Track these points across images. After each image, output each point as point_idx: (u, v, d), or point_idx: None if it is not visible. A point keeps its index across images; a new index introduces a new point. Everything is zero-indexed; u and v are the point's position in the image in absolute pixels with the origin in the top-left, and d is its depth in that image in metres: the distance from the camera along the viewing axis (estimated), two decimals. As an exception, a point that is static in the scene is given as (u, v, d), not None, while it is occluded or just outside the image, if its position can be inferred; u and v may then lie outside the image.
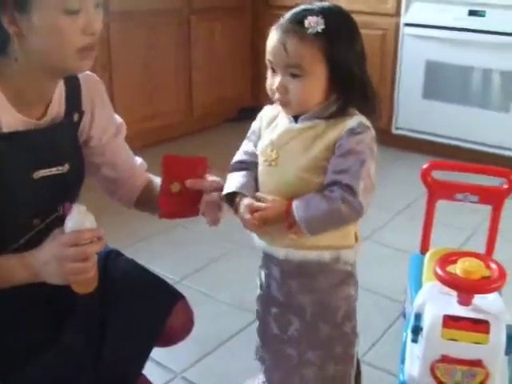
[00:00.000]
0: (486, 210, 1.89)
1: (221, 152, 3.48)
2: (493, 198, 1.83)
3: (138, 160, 1.53)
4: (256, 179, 1.31)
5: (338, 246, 1.29)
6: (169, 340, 1.45)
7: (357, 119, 1.21)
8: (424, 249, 1.96)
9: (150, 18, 3.38)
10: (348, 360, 1.41)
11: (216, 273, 2.27)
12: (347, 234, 1.30)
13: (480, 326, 1.44)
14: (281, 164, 1.25)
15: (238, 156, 1.38)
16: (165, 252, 2.44)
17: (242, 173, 1.32)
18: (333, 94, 1.23)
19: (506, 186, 1.81)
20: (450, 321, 1.45)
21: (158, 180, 1.44)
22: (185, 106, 3.75)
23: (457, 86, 3.35)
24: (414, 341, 1.50)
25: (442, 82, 3.38)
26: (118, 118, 1.48)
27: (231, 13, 3.86)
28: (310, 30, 1.16)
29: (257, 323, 1.47)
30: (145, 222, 2.52)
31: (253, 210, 1.22)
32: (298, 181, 1.23)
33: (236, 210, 1.28)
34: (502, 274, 1.47)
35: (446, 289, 1.57)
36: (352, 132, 1.19)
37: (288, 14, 1.23)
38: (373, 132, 1.23)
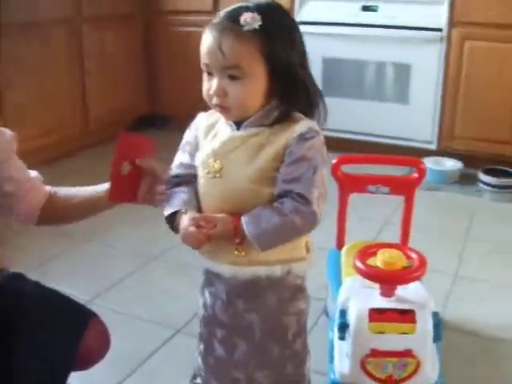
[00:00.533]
0: (396, 200, 1.91)
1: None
2: (404, 188, 1.84)
3: (33, 173, 1.42)
4: (196, 194, 1.23)
5: (289, 259, 1.22)
6: (86, 362, 1.36)
7: (305, 124, 1.15)
8: (340, 244, 1.95)
9: (42, 29, 3.22)
10: (300, 379, 1.36)
11: (131, 289, 2.17)
12: (298, 246, 1.23)
13: (406, 316, 1.44)
14: (226, 175, 1.17)
15: (177, 170, 1.28)
16: (75, 270, 2.30)
17: (181, 189, 1.24)
18: (274, 97, 1.16)
19: (416, 175, 1.83)
20: (376, 314, 1.44)
21: (62, 191, 1.39)
22: (80, 118, 3.60)
23: (354, 81, 3.42)
24: (342, 338, 1.47)
25: (340, 78, 3.43)
26: (8, 131, 1.36)
27: (123, 20, 3.75)
28: (246, 27, 1.09)
29: (200, 346, 1.35)
30: (50, 241, 2.41)
31: (197, 224, 1.13)
32: (245, 192, 1.15)
33: (177, 229, 1.20)
34: (423, 263, 1.48)
35: (367, 282, 1.56)
36: (302, 138, 1.13)
37: (222, 12, 1.15)
38: (322, 136, 1.17)
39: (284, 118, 1.16)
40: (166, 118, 4.13)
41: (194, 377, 1.41)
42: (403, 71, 3.26)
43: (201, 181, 1.22)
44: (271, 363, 1.29)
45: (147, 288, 2.16)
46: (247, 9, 1.11)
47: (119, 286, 2.17)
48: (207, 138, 1.23)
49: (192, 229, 1.13)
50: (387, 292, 1.50)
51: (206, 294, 1.30)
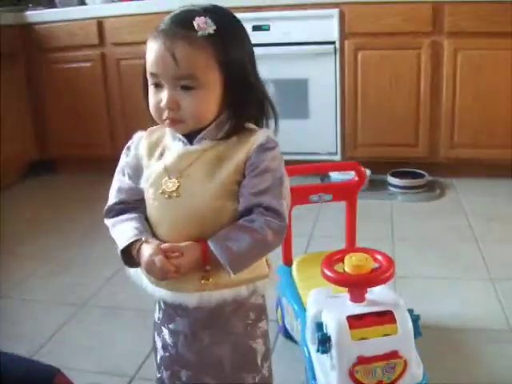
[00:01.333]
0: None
1: (27, 212, 3.24)
2: (346, 193, 1.83)
3: None
4: (145, 218, 1.13)
5: (254, 277, 1.12)
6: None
7: (263, 134, 1.08)
8: (287, 260, 1.89)
9: None
10: None
11: (67, 341, 1.97)
12: (261, 263, 1.14)
13: (385, 317, 1.41)
14: (184, 193, 1.06)
15: (113, 197, 1.17)
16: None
17: (128, 216, 1.12)
18: (225, 108, 1.08)
19: (356, 178, 1.82)
20: (355, 321, 1.40)
21: None
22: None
23: (255, 100, 3.40)
24: (325, 351, 1.41)
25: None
26: None
27: (3, 61, 3.50)
28: (200, 33, 1.02)
29: None
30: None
31: (165, 253, 1.02)
32: (208, 210, 1.06)
33: (132, 263, 1.10)
34: (391, 262, 1.46)
35: (331, 292, 1.53)
36: (262, 148, 1.06)
37: (168, 18, 1.06)
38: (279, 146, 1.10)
39: (238, 130, 1.09)
40: (57, 162, 3.92)
41: None
42: (301, 86, 3.30)
43: (153, 204, 1.10)
44: None
45: (85, 337, 1.97)
46: (197, 13, 1.04)
47: (53, 341, 1.96)
48: (153, 156, 1.13)
49: (159, 258, 1.02)
50: (358, 298, 1.46)
51: (165, 332, 1.18)
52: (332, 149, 3.37)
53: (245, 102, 1.08)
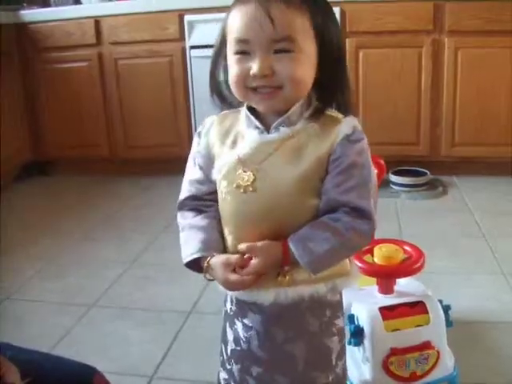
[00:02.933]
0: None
1: (22, 214, 3.18)
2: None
3: None
4: (218, 220, 1.06)
5: (334, 274, 1.03)
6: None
7: (349, 123, 0.99)
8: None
9: None
10: None
11: (80, 343, 1.90)
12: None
13: (417, 308, 1.40)
14: (261, 188, 0.97)
15: (186, 190, 1.09)
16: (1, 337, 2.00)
17: (198, 222, 1.06)
18: (312, 88, 0.99)
19: (376, 171, 1.80)
20: (387, 312, 1.39)
21: None
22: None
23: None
24: (357, 344, 1.39)
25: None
26: None
27: (-3, 61, 3.45)
28: None
29: None
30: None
31: (233, 266, 0.98)
32: (286, 207, 0.97)
33: (206, 273, 1.03)
34: (421, 253, 1.45)
35: (357, 285, 1.51)
36: (349, 141, 0.97)
37: None
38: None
39: (321, 114, 1.00)
40: (51, 164, 3.87)
41: None
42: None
43: (226, 198, 1.02)
44: None
45: (97, 338, 1.91)
46: None
47: (64, 342, 1.91)
48: (225, 144, 1.04)
49: (234, 277, 0.98)
50: (387, 289, 1.46)
51: (238, 325, 1.10)
52: (333, 148, 3.35)
53: (335, 81, 1.00)
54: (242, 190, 0.99)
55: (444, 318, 1.40)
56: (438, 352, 1.37)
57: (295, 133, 0.99)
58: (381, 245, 1.46)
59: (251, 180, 0.98)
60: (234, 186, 1.00)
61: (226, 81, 1.02)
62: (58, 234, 2.84)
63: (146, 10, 3.38)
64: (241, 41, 0.95)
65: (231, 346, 1.12)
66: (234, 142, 1.03)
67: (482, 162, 3.27)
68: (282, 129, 0.99)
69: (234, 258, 0.99)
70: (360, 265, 1.41)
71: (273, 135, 0.99)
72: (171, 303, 2.08)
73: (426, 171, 3.19)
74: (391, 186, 3.16)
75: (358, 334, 1.38)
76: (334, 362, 1.10)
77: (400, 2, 3.09)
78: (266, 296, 1.02)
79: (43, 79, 3.63)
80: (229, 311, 1.13)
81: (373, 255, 1.45)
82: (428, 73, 3.16)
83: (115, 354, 1.82)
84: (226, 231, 1.05)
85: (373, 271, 1.42)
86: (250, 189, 0.98)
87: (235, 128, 1.05)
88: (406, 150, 3.29)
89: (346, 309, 1.45)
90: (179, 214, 1.10)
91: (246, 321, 1.08)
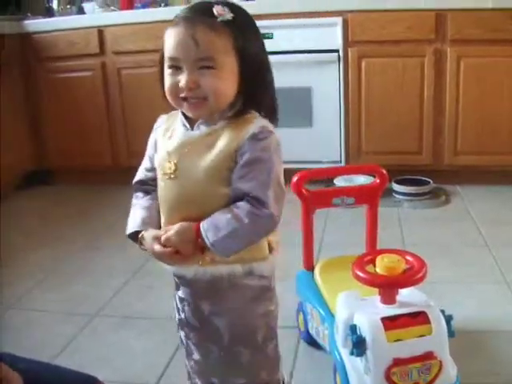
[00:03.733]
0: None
1: (24, 223, 3.18)
2: (368, 196, 1.81)
3: None
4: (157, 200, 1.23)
5: (250, 258, 1.18)
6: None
7: (258, 124, 1.12)
8: (309, 264, 1.86)
9: None
10: None
11: (83, 352, 1.91)
12: (258, 245, 1.19)
13: (419, 318, 1.40)
14: (181, 175, 1.15)
15: (139, 175, 1.29)
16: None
17: (142, 202, 1.25)
18: (238, 97, 1.14)
19: (377, 181, 1.81)
20: (389, 322, 1.39)
21: None
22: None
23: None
24: (360, 354, 1.39)
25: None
26: None
27: (2, 70, 3.44)
28: (220, 18, 1.09)
29: (183, 350, 1.34)
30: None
31: (160, 240, 1.14)
32: (201, 193, 1.13)
33: (141, 244, 1.20)
34: (423, 263, 1.45)
35: (358, 295, 1.51)
36: (255, 138, 1.10)
37: (187, 7, 1.14)
38: (277, 136, 1.14)
39: (238, 117, 1.14)
40: (54, 173, 3.88)
41: (188, 379, 1.38)
42: (304, 95, 3.30)
43: (159, 183, 1.20)
44: (243, 369, 1.25)
45: (100, 348, 1.92)
46: (215, 3, 1.11)
47: (67, 352, 1.91)
48: (164, 138, 1.21)
49: (157, 247, 1.13)
50: (389, 299, 1.45)
51: (176, 297, 1.28)
52: (336, 157, 3.36)
53: (256, 89, 1.14)
54: (167, 177, 1.16)
55: (446, 328, 1.40)
56: (441, 362, 1.37)
57: (213, 131, 1.14)
58: (383, 255, 1.45)
59: (173, 169, 1.15)
60: (163, 173, 1.17)
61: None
62: (60, 243, 2.84)
63: (149, 19, 3.39)
64: (172, 58, 1.11)
65: (176, 315, 1.30)
66: (170, 138, 1.19)
67: (485, 170, 3.27)
68: (201, 127, 1.15)
69: (161, 232, 1.15)
70: (362, 275, 1.42)
71: (194, 132, 1.15)
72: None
73: (428, 180, 3.19)
74: (394, 194, 3.16)
75: (360, 345, 1.38)
76: (260, 342, 1.24)
77: (402, 11, 3.10)
78: (188, 270, 1.18)
79: (46, 88, 3.64)
80: (174, 285, 1.30)
81: (375, 265, 1.45)
82: (430, 82, 3.17)
83: (118, 363, 1.82)
84: (161, 212, 1.21)
85: (375, 282, 1.42)
86: (172, 176, 1.15)
87: (173, 125, 1.21)
88: (408, 159, 3.29)
89: (348, 319, 1.47)
90: (133, 195, 1.28)
91: (179, 293, 1.26)
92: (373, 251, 1.55)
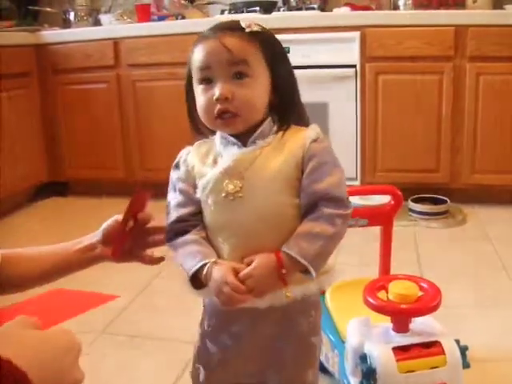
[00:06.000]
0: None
1: (36, 235, 3.16)
2: (382, 218, 1.75)
3: None
4: (205, 235, 1.11)
5: (320, 272, 1.08)
6: None
7: (313, 129, 1.10)
8: (320, 287, 1.81)
9: None
10: None
11: (85, 371, 1.87)
12: None
13: (433, 348, 1.33)
14: (249, 193, 1.06)
15: (174, 213, 1.13)
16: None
17: (190, 238, 1.10)
18: (271, 111, 1.11)
19: (392, 202, 1.75)
20: (401, 352, 1.32)
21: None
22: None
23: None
24: (369, 385, 1.33)
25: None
26: None
27: (17, 81, 3.46)
28: (247, 29, 1.07)
29: None
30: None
31: (237, 273, 1.03)
32: (274, 207, 1.06)
33: (205, 283, 1.06)
34: (437, 291, 1.39)
35: (370, 321, 1.46)
36: (317, 143, 1.08)
37: (212, 26, 1.11)
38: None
39: (285, 129, 1.11)
40: (68, 184, 3.86)
41: None
42: (321, 110, 3.25)
43: (216, 209, 1.09)
44: None
45: (104, 368, 1.87)
46: (240, 20, 1.10)
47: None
48: (205, 164, 1.12)
49: (228, 284, 1.01)
50: (402, 327, 1.39)
51: (223, 337, 1.15)
52: (351, 174, 3.30)
53: (290, 107, 1.12)
54: (231, 198, 1.06)
55: (461, 360, 1.34)
56: (455, 395, 1.31)
57: (269, 144, 1.09)
58: (395, 281, 1.40)
59: (238, 187, 1.06)
60: (223, 195, 1.07)
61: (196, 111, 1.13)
62: (70, 257, 2.80)
63: (165, 32, 3.38)
64: (203, 68, 1.06)
65: (217, 356, 1.17)
66: (215, 162, 1.11)
67: (504, 190, 3.20)
68: (258, 141, 1.09)
69: (241, 265, 1.04)
70: (374, 302, 1.36)
71: (251, 147, 1.09)
72: (181, 332, 2.03)
73: (445, 199, 3.12)
74: (410, 213, 3.10)
75: (370, 375, 1.32)
76: (317, 358, 1.21)
77: (421, 26, 3.05)
78: (261, 301, 1.06)
79: (61, 100, 3.64)
80: (206, 328, 1.18)
81: (387, 291, 1.40)
82: (449, 99, 3.11)
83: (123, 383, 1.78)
84: (220, 240, 1.09)
85: (386, 310, 1.36)
86: (240, 195, 1.06)
87: (213, 151, 1.13)
88: (425, 178, 3.23)
89: (359, 347, 1.41)
90: (169, 244, 1.14)
91: (234, 327, 1.13)
92: (385, 277, 1.49)
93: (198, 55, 1.07)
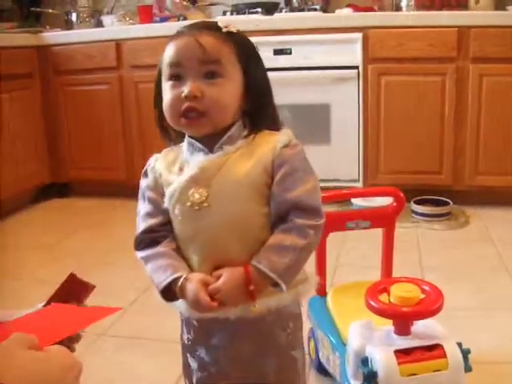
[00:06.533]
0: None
1: (37, 236, 3.16)
2: (384, 220, 1.75)
3: None
4: (176, 247, 1.08)
5: (295, 281, 1.07)
6: None
7: (285, 133, 1.06)
8: (321, 290, 1.79)
9: None
10: None
11: (86, 372, 1.86)
12: None
13: (435, 351, 1.33)
14: (215, 201, 1.02)
15: (140, 225, 1.11)
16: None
17: (159, 250, 1.07)
18: (241, 114, 1.08)
19: (394, 204, 1.74)
20: (403, 355, 1.32)
21: None
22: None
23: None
24: (371, 388, 1.32)
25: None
26: None
27: (19, 82, 3.46)
28: (224, 29, 1.04)
29: None
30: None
31: (207, 287, 1.00)
32: (242, 216, 1.02)
33: (172, 297, 1.06)
34: (439, 294, 1.38)
35: (372, 324, 1.45)
36: (288, 148, 1.04)
37: (188, 24, 1.10)
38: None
39: (257, 132, 1.07)
40: (70, 185, 3.86)
41: None
42: (323, 111, 3.24)
43: (184, 219, 1.05)
44: None
45: (105, 369, 1.86)
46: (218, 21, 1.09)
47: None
48: (171, 172, 1.09)
49: (202, 295, 0.99)
50: (403, 330, 1.38)
51: (201, 351, 1.13)
52: (354, 175, 3.29)
53: (263, 110, 1.08)
54: (196, 208, 1.03)
55: (463, 363, 1.33)
56: (456, 399, 1.30)
57: (238, 150, 1.05)
58: (397, 284, 1.39)
59: (204, 196, 1.02)
60: (188, 204, 1.03)
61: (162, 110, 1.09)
62: (71, 258, 2.80)
63: (167, 33, 3.36)
64: (173, 64, 1.03)
65: (197, 375, 1.14)
66: (181, 169, 1.08)
67: (507, 192, 3.19)
68: (225, 147, 1.05)
69: (210, 279, 1.01)
70: (375, 305, 1.35)
71: (218, 153, 1.05)
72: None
73: (448, 201, 3.11)
74: (412, 215, 3.09)
75: (371, 378, 1.31)
76: (300, 372, 1.17)
77: (423, 28, 3.04)
78: (232, 310, 1.03)
79: (63, 101, 3.64)
80: (186, 341, 1.16)
81: (389, 294, 1.39)
82: (451, 100, 3.10)
83: (122, 386, 1.77)
84: (190, 252, 1.06)
85: (387, 313, 1.35)
86: (205, 204, 1.02)
87: (179, 158, 1.10)
88: (428, 179, 3.22)
89: (360, 350, 1.40)
90: (138, 253, 1.11)
91: (211, 342, 1.10)
92: (387, 279, 1.49)
93: (169, 51, 1.04)
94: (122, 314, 2.21)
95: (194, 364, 1.15)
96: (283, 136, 1.05)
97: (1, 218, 3.35)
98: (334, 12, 3.42)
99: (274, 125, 1.10)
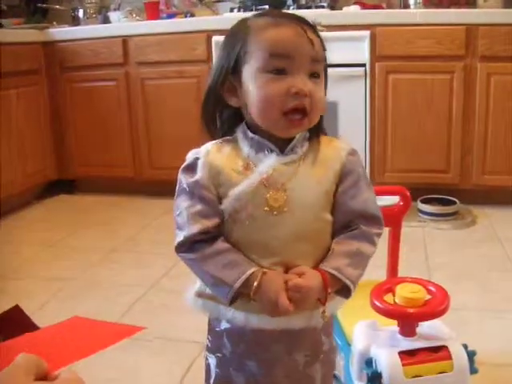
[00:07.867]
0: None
1: (43, 232, 3.16)
2: (391, 219, 1.73)
3: None
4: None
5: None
6: None
7: (344, 142, 1.05)
8: (326, 289, 1.79)
9: None
10: None
11: (88, 373, 1.84)
12: None
13: (440, 353, 1.32)
14: (293, 207, 0.96)
15: (197, 225, 0.96)
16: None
17: (222, 247, 0.97)
18: None
19: (401, 203, 1.73)
20: (408, 357, 1.31)
21: None
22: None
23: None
24: (375, 390, 1.31)
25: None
26: None
27: (26, 79, 3.47)
28: (319, 28, 1.00)
29: None
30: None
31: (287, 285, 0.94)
32: (315, 223, 0.98)
33: (251, 294, 0.94)
34: (445, 295, 1.37)
35: (377, 324, 1.44)
36: (352, 155, 1.02)
37: (281, 13, 1.02)
38: None
39: (316, 138, 1.04)
40: (76, 182, 3.87)
41: None
42: (330, 109, 3.20)
43: (251, 223, 0.96)
44: None
45: (107, 369, 1.82)
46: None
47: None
48: (235, 170, 0.98)
49: (284, 298, 0.92)
50: (409, 331, 1.37)
51: (251, 364, 1.05)
52: (360, 173, 3.27)
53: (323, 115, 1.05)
54: (275, 213, 0.96)
55: (468, 365, 1.31)
56: (461, 401, 1.29)
57: (307, 154, 1.01)
58: (403, 284, 1.38)
59: (284, 201, 0.96)
60: (266, 209, 0.96)
61: (238, 105, 1.02)
62: (78, 255, 2.80)
63: (174, 30, 3.37)
64: (281, 56, 0.94)
65: None
66: (246, 168, 0.99)
67: (514, 191, 3.16)
68: (297, 149, 1.00)
69: (290, 276, 0.95)
70: (380, 306, 1.34)
71: (291, 156, 0.99)
72: (186, 333, 2.01)
73: (455, 200, 3.09)
74: (419, 214, 3.07)
75: (375, 380, 1.30)
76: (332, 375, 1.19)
77: (431, 25, 3.02)
78: (297, 321, 0.99)
79: (70, 97, 3.64)
80: (229, 355, 1.07)
81: (394, 295, 1.38)
82: (459, 99, 3.07)
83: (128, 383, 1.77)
84: (253, 257, 0.97)
85: (392, 314, 1.34)
86: (285, 209, 0.96)
87: (240, 155, 1.01)
88: (435, 178, 3.20)
89: (365, 351, 1.39)
90: (187, 254, 1.00)
91: (266, 354, 1.04)
92: (392, 279, 1.47)
93: (272, 40, 0.94)
94: (127, 311, 2.21)
95: (239, 378, 1.07)
96: (344, 143, 1.04)
97: (7, 214, 3.36)
98: (341, 9, 3.41)
99: (323, 129, 1.07)
